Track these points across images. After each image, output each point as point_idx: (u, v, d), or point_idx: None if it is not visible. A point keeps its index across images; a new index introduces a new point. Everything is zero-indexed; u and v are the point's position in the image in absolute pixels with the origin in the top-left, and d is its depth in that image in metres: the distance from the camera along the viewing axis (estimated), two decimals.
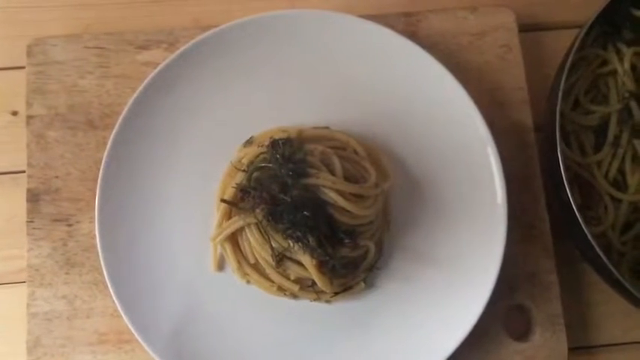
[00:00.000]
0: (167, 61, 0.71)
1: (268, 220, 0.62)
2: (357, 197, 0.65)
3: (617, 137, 0.70)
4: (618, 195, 0.68)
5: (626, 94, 0.70)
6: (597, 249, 0.62)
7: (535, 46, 0.80)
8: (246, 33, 0.73)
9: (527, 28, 0.80)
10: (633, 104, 0.69)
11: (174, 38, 0.76)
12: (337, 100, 0.73)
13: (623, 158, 0.70)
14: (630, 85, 0.70)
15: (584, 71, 0.72)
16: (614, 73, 0.72)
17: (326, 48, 0.73)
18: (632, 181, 0.69)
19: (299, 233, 0.62)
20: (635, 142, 0.69)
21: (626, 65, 0.70)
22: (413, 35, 0.77)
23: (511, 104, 0.76)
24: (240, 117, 0.72)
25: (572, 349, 0.72)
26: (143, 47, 0.76)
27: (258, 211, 0.62)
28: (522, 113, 0.75)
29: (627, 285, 0.62)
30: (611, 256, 0.69)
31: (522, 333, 0.71)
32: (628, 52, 0.71)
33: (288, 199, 0.61)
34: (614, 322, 0.73)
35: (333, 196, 0.63)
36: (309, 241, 0.62)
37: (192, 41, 0.72)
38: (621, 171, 0.70)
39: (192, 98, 0.72)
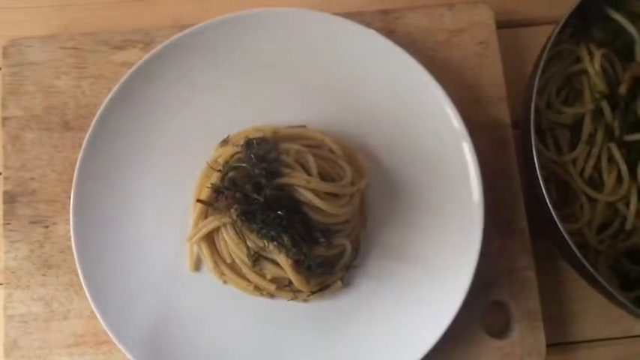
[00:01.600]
0: (142, 60, 0.71)
1: (242, 220, 0.62)
2: (332, 196, 0.65)
3: (592, 135, 0.70)
4: (594, 194, 0.68)
5: (597, 95, 0.69)
6: (572, 246, 0.62)
7: (513, 43, 0.79)
8: (221, 32, 0.72)
9: (505, 25, 0.80)
10: (604, 105, 0.69)
11: (151, 38, 0.75)
12: (314, 98, 0.73)
13: (599, 156, 0.69)
14: (601, 86, 0.70)
15: (556, 69, 0.72)
16: (586, 72, 0.71)
17: (302, 46, 0.73)
18: (608, 180, 0.69)
19: (273, 233, 0.62)
20: (610, 145, 0.69)
21: (597, 66, 0.70)
22: (390, 33, 0.77)
23: (489, 101, 0.76)
24: (216, 116, 0.72)
25: (551, 346, 0.72)
26: (119, 47, 0.75)
27: (231, 211, 0.62)
28: (500, 110, 0.75)
29: (602, 281, 0.62)
30: (588, 253, 0.69)
31: (501, 330, 0.71)
32: (597, 53, 0.70)
33: (261, 199, 0.61)
34: (592, 318, 0.74)
35: (307, 195, 0.63)
36: (283, 241, 0.62)
37: (168, 41, 0.71)
38: (597, 169, 0.70)
39: (168, 98, 0.72)
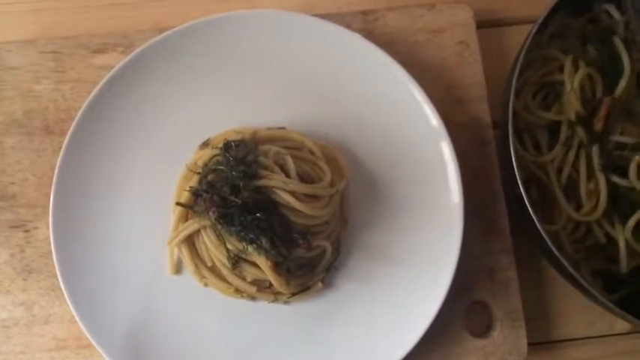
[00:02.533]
0: (121, 64, 0.71)
1: (220, 223, 0.62)
2: (311, 197, 0.65)
3: (569, 138, 0.69)
4: (573, 214, 0.68)
5: (573, 118, 0.69)
6: (551, 246, 0.62)
7: (494, 42, 0.79)
8: (201, 34, 0.72)
9: (486, 24, 0.80)
10: (579, 130, 0.68)
11: (130, 41, 0.75)
12: (294, 99, 0.73)
13: (577, 159, 0.69)
14: (576, 105, 0.68)
15: (534, 72, 0.71)
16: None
17: (283, 48, 0.73)
18: (586, 200, 0.68)
19: (252, 235, 0.62)
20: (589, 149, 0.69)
21: (576, 84, 0.69)
22: (370, 33, 0.77)
23: (469, 101, 0.76)
24: (197, 119, 0.72)
25: (534, 345, 0.72)
26: (99, 51, 0.75)
27: (210, 214, 0.62)
28: (481, 110, 0.75)
29: (581, 280, 0.62)
30: (567, 252, 0.69)
31: (482, 329, 0.71)
32: (581, 71, 0.69)
33: (239, 202, 0.61)
34: (574, 317, 0.74)
35: (285, 197, 0.63)
36: (262, 243, 0.62)
37: (147, 44, 0.71)
38: (576, 168, 0.69)
39: (149, 101, 0.72)
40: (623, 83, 0.69)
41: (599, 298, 0.62)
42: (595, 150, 0.69)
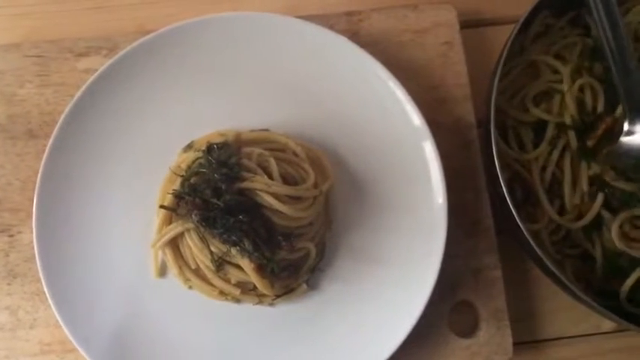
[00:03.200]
0: (104, 67, 0.70)
1: (202, 226, 0.62)
2: (294, 199, 0.65)
3: (555, 138, 0.69)
4: (556, 218, 0.68)
5: (568, 121, 0.69)
6: (534, 245, 0.62)
7: (478, 42, 0.80)
8: (184, 37, 0.72)
9: (470, 25, 0.80)
10: (571, 135, 0.68)
11: (114, 44, 0.75)
12: (278, 101, 0.73)
13: (562, 159, 0.69)
14: (572, 109, 0.68)
15: (517, 75, 0.72)
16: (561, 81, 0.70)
17: (265, 50, 0.73)
18: (569, 200, 0.68)
19: (234, 237, 0.62)
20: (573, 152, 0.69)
21: (575, 87, 0.69)
22: (355, 34, 0.77)
23: (454, 101, 0.76)
24: (181, 121, 0.72)
25: (519, 344, 0.72)
26: (83, 54, 0.75)
27: (192, 216, 0.62)
28: (465, 109, 0.75)
29: (564, 279, 0.62)
30: (549, 251, 0.69)
31: (468, 329, 0.71)
32: (583, 80, 0.69)
33: (221, 204, 0.61)
34: (560, 316, 0.74)
35: (268, 199, 0.63)
36: (245, 245, 0.62)
37: (130, 46, 0.71)
38: (561, 167, 0.69)
39: (132, 103, 0.72)
40: (623, 104, 0.68)
41: (581, 297, 0.63)
42: (583, 165, 0.69)
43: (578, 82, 0.70)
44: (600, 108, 0.70)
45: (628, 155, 0.67)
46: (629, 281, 0.66)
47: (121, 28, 0.79)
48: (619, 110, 0.69)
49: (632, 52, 0.66)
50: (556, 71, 0.72)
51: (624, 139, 0.67)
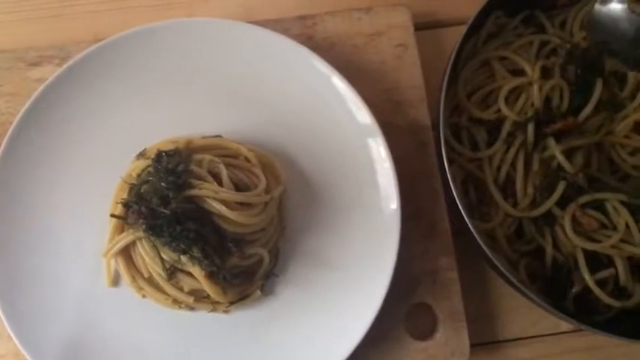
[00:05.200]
0: (54, 75, 0.70)
1: (149, 235, 0.61)
2: (245, 205, 0.65)
3: (510, 136, 0.69)
4: (510, 210, 0.68)
5: (530, 114, 0.68)
6: (481, 243, 0.62)
7: (433, 44, 0.80)
8: (136, 44, 0.72)
9: (425, 26, 0.80)
10: (530, 128, 0.68)
11: (67, 53, 0.75)
12: (231, 107, 0.73)
13: (516, 157, 0.69)
14: (538, 102, 0.69)
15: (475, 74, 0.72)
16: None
17: (218, 56, 0.73)
18: (521, 194, 0.68)
19: (183, 246, 0.62)
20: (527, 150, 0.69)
21: (546, 88, 0.69)
22: (309, 38, 0.77)
23: (409, 103, 0.76)
24: (135, 129, 0.72)
25: (478, 345, 0.72)
26: (35, 64, 0.75)
27: (139, 225, 0.62)
28: (420, 112, 0.75)
29: (513, 279, 0.62)
30: (505, 251, 0.69)
31: (426, 331, 0.71)
32: (553, 81, 0.69)
33: (167, 212, 0.61)
34: (518, 316, 0.74)
35: (216, 206, 0.62)
36: (194, 253, 0.62)
37: (81, 54, 0.71)
38: (515, 167, 0.69)
39: (85, 112, 0.72)
40: (587, 110, 0.69)
41: (532, 297, 0.62)
42: (535, 157, 0.69)
43: (552, 81, 0.70)
44: (564, 108, 0.70)
45: (601, 23, 0.69)
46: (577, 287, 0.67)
47: (75, 37, 0.79)
48: (582, 115, 0.69)
49: None
50: (516, 70, 0.72)
51: (599, 6, 0.68)
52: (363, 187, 0.70)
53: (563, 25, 0.75)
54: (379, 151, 0.69)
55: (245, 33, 0.72)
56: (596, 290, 0.65)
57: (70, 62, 0.71)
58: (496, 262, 0.62)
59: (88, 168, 0.71)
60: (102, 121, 0.72)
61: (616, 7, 0.70)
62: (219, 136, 0.70)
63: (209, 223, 0.63)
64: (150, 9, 0.82)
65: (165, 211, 0.61)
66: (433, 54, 0.79)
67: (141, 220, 0.61)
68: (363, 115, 0.70)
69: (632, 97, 0.71)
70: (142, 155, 0.70)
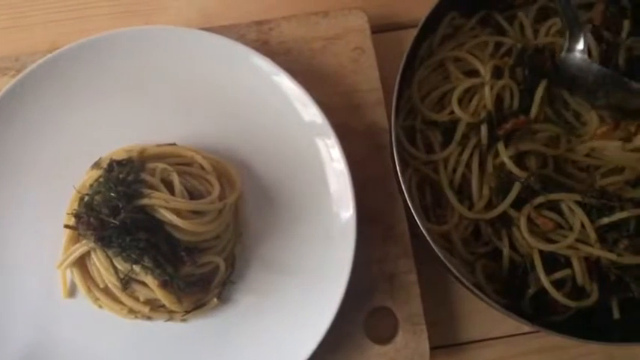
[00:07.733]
0: (8, 86, 0.70)
1: (98, 246, 0.61)
2: (197, 214, 0.64)
3: (464, 137, 0.69)
4: (465, 212, 0.67)
5: (482, 115, 0.68)
6: (433, 245, 0.62)
7: (391, 46, 0.79)
8: (90, 52, 0.72)
9: (382, 29, 0.80)
10: (483, 130, 0.68)
11: (22, 64, 0.75)
12: (186, 115, 0.73)
13: (471, 159, 0.68)
14: (489, 103, 0.68)
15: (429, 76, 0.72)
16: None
17: (172, 63, 0.73)
18: (477, 196, 0.68)
19: (134, 255, 0.61)
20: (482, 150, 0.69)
21: (497, 87, 0.69)
22: (265, 43, 0.76)
23: (367, 106, 0.75)
24: (90, 138, 0.72)
25: (439, 348, 0.72)
26: None
27: (89, 236, 0.61)
28: (377, 115, 0.75)
29: (466, 282, 0.62)
30: (460, 253, 0.68)
31: (386, 336, 0.71)
32: (503, 81, 0.69)
33: (117, 223, 0.60)
34: (480, 318, 0.73)
35: (167, 215, 0.62)
36: (146, 262, 0.62)
37: (35, 64, 0.71)
38: (470, 168, 0.69)
39: (40, 122, 0.72)
40: (534, 110, 0.69)
41: (485, 299, 0.62)
42: (489, 159, 0.68)
43: (501, 81, 0.69)
44: (515, 106, 0.70)
45: (566, 71, 0.70)
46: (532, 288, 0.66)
47: (32, 47, 0.78)
48: (532, 112, 0.69)
49: None
50: (471, 71, 0.72)
51: (564, 54, 0.69)
52: (317, 191, 0.70)
53: (522, 24, 0.75)
54: (331, 152, 0.69)
55: (195, 40, 0.72)
56: (552, 291, 0.65)
57: (24, 72, 0.71)
58: (449, 265, 0.62)
59: (44, 179, 0.71)
60: (58, 131, 0.72)
61: (577, 57, 0.70)
62: (174, 144, 0.70)
63: (161, 232, 0.63)
64: (110, 17, 0.82)
65: (114, 221, 0.60)
66: (392, 56, 0.78)
67: (90, 232, 0.61)
68: (313, 114, 0.70)
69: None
70: (96, 165, 0.69)
